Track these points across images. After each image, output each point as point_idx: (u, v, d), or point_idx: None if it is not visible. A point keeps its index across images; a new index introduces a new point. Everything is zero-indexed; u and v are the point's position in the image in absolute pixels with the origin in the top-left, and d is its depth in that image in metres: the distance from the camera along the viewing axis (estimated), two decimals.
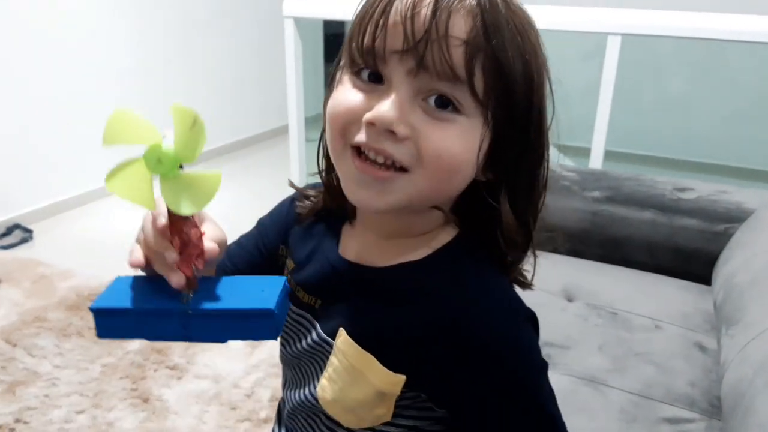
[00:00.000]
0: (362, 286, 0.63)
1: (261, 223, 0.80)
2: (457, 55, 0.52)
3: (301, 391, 0.68)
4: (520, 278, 0.65)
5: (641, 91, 3.18)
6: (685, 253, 1.59)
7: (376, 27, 0.53)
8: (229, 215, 3.50)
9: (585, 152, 2.12)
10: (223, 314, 0.51)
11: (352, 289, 0.63)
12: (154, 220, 0.50)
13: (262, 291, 0.52)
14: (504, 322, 0.59)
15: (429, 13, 0.52)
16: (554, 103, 0.60)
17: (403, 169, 0.55)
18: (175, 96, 3.72)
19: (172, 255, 0.50)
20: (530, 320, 0.61)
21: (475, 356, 0.57)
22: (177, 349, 2.00)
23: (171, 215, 0.49)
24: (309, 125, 2.67)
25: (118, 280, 0.55)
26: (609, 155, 2.16)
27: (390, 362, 0.58)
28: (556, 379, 1.18)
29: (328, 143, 0.60)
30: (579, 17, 2.02)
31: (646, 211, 1.62)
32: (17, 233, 2.78)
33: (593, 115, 2.05)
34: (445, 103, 0.54)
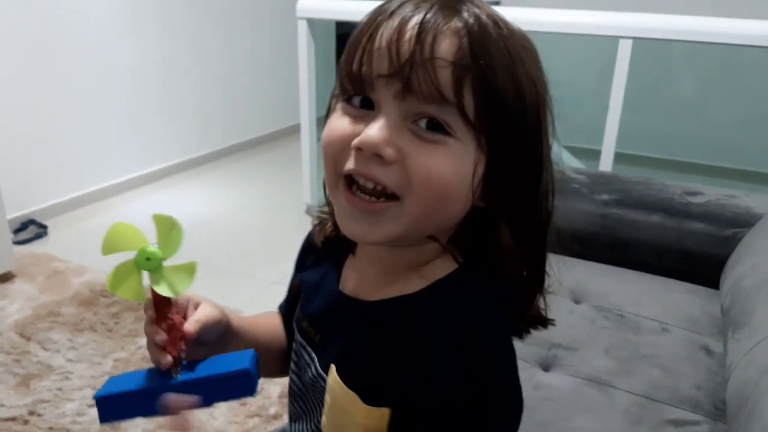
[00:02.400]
0: (355, 321, 0.62)
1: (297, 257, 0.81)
2: (444, 76, 0.51)
3: (307, 425, 0.68)
4: (538, 316, 0.62)
5: (653, 94, 3.18)
6: (694, 256, 1.60)
7: (363, 53, 0.54)
8: (241, 213, 3.53)
9: (596, 154, 2.13)
10: (206, 381, 0.60)
11: (347, 324, 0.63)
12: (146, 311, 0.61)
13: (235, 359, 0.62)
14: (493, 362, 0.57)
15: (414, 35, 0.52)
16: (553, 115, 0.58)
17: (393, 197, 0.54)
18: (188, 94, 3.76)
19: (161, 336, 0.59)
20: (512, 370, 0.58)
21: (459, 392, 0.55)
22: None
23: (157, 306, 0.60)
24: (320, 125, 2.69)
25: (112, 378, 0.64)
26: (620, 158, 2.17)
27: (375, 398, 0.56)
28: (562, 380, 1.20)
29: (325, 175, 0.59)
30: (591, 21, 2.03)
31: (655, 214, 1.63)
32: (32, 229, 2.82)
33: (604, 117, 2.05)
34: (435, 126, 0.53)
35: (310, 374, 0.65)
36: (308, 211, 0.75)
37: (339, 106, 0.57)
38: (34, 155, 2.95)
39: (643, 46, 2.00)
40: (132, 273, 0.57)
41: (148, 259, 0.56)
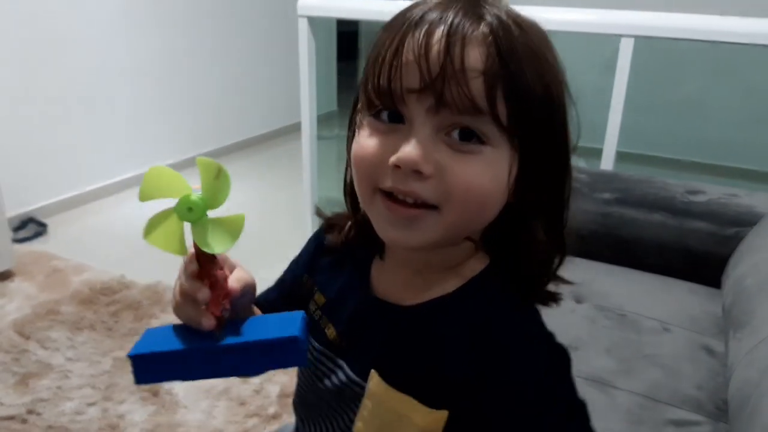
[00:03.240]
0: (392, 326, 0.61)
1: (293, 259, 0.79)
2: (476, 87, 0.51)
3: (323, 430, 0.67)
4: (550, 293, 0.63)
5: (656, 93, 3.17)
6: (696, 256, 1.59)
7: (390, 68, 0.53)
8: (240, 212, 3.50)
9: (597, 153, 2.12)
10: (252, 347, 0.54)
11: (382, 328, 0.62)
12: (187, 266, 0.54)
13: (283, 323, 0.56)
14: (552, 358, 0.59)
15: (442, 47, 0.51)
16: (576, 111, 0.59)
17: (433, 207, 0.54)
18: (188, 92, 3.76)
19: (205, 293, 0.53)
20: (564, 354, 0.61)
21: (513, 388, 0.56)
22: None
23: (200, 260, 0.54)
24: (321, 123, 2.68)
25: (149, 331, 0.58)
26: (623, 157, 2.16)
27: (428, 400, 0.57)
28: None
29: (356, 188, 0.59)
30: (592, 19, 2.02)
31: (656, 213, 1.62)
32: (31, 227, 2.81)
33: (606, 116, 2.05)
34: (468, 135, 0.53)
35: (335, 380, 0.64)
36: (318, 213, 0.74)
37: (366, 121, 0.57)
38: (33, 154, 2.95)
39: (645, 44, 1.99)
40: (172, 223, 0.51)
41: (189, 209, 0.51)
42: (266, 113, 4.41)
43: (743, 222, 1.55)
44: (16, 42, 2.77)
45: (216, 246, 0.52)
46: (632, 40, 1.96)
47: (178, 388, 1.83)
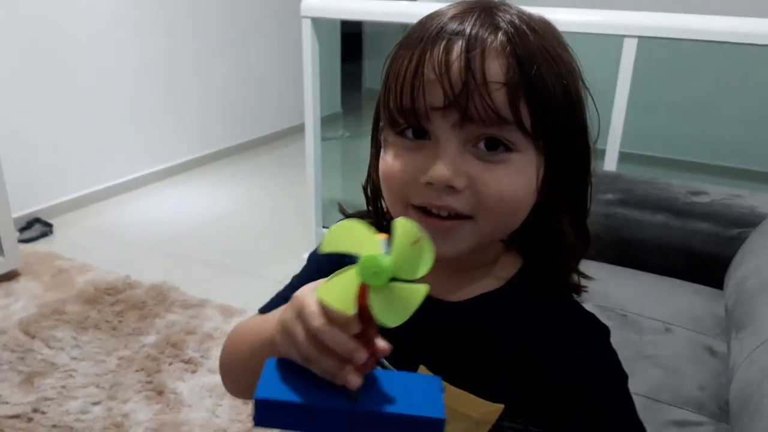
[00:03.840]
0: (437, 322, 0.61)
1: (312, 260, 0.76)
2: (500, 98, 0.52)
3: None
4: (575, 284, 0.65)
5: (660, 94, 3.17)
6: (698, 256, 1.59)
7: (413, 87, 0.53)
8: (245, 213, 3.53)
9: (600, 154, 2.12)
10: (391, 419, 0.49)
11: (430, 325, 0.61)
12: (349, 325, 0.48)
13: (423, 393, 0.51)
14: (596, 338, 0.62)
15: (463, 63, 0.52)
16: (597, 108, 0.60)
17: (467, 216, 0.55)
18: (193, 93, 3.77)
19: (362, 355, 0.48)
20: (608, 331, 0.64)
21: (575, 373, 0.59)
22: (191, 344, 2.03)
23: (363, 320, 0.48)
24: (325, 124, 2.68)
25: (272, 363, 0.53)
26: (626, 157, 2.16)
27: (483, 393, 0.59)
28: None
29: (389, 204, 0.60)
30: (595, 19, 2.02)
31: (659, 214, 1.62)
32: (37, 227, 2.83)
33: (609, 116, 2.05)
34: (495, 144, 0.54)
35: None
36: (341, 210, 0.73)
37: (391, 140, 0.57)
38: (39, 154, 2.97)
39: (649, 44, 1.99)
40: (349, 280, 0.46)
41: (376, 273, 0.45)
42: (272, 114, 4.42)
43: (746, 223, 1.55)
44: (22, 43, 2.79)
45: (393, 319, 0.46)
46: (635, 40, 1.96)
47: (183, 387, 1.84)
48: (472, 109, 0.52)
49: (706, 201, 1.61)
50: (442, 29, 0.54)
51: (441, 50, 0.52)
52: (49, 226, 2.87)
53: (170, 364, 1.94)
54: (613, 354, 0.63)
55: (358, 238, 0.47)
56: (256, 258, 2.68)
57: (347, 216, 0.72)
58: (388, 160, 0.57)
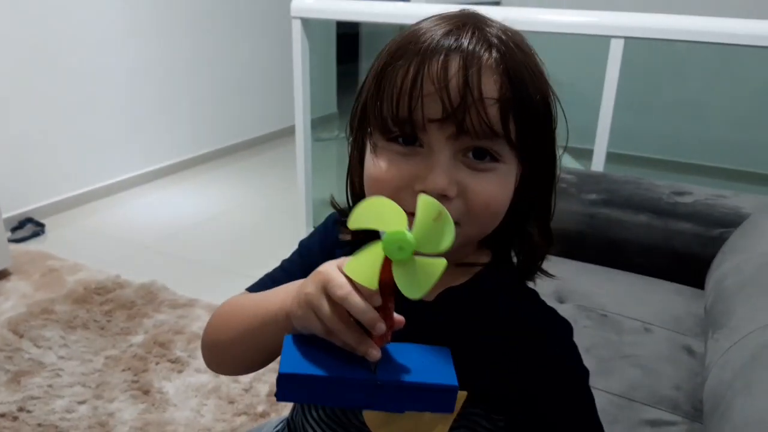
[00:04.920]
0: (416, 318, 0.62)
1: (304, 246, 0.79)
2: (493, 113, 0.55)
3: (341, 417, 0.68)
4: (543, 273, 0.69)
5: (649, 94, 3.17)
6: (681, 257, 1.59)
7: (411, 98, 0.56)
8: (237, 213, 3.52)
9: (588, 154, 2.12)
10: (408, 388, 0.52)
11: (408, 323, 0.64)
12: (372, 297, 0.51)
13: (436, 362, 0.55)
14: (556, 333, 0.66)
15: (461, 78, 0.55)
16: (564, 114, 0.64)
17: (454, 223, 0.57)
18: (186, 94, 3.78)
19: (382, 327, 0.51)
20: (570, 326, 0.67)
21: (534, 366, 0.62)
22: (179, 343, 2.03)
23: (384, 293, 0.51)
24: (321, 124, 2.69)
25: (289, 339, 0.56)
26: (616, 158, 2.16)
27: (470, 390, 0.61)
28: None
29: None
30: (582, 20, 2.02)
31: (642, 214, 1.62)
32: (29, 227, 2.83)
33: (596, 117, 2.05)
34: (482, 153, 0.57)
35: None
36: (333, 204, 0.75)
37: (382, 144, 0.59)
38: (32, 154, 2.97)
39: (636, 45, 1.99)
40: (374, 255, 0.50)
41: (400, 247, 0.49)
42: (265, 115, 4.43)
43: (729, 223, 1.55)
44: (13, 43, 2.80)
45: (415, 291, 0.49)
46: (622, 41, 1.96)
47: (169, 386, 1.84)
48: (468, 122, 0.55)
49: (690, 201, 1.61)
50: (439, 44, 0.56)
51: (440, 65, 0.55)
52: (41, 225, 2.87)
53: (157, 363, 1.95)
54: (573, 349, 0.66)
55: (384, 213, 0.50)
56: (247, 258, 2.69)
57: (339, 210, 0.74)
58: (381, 165, 0.59)
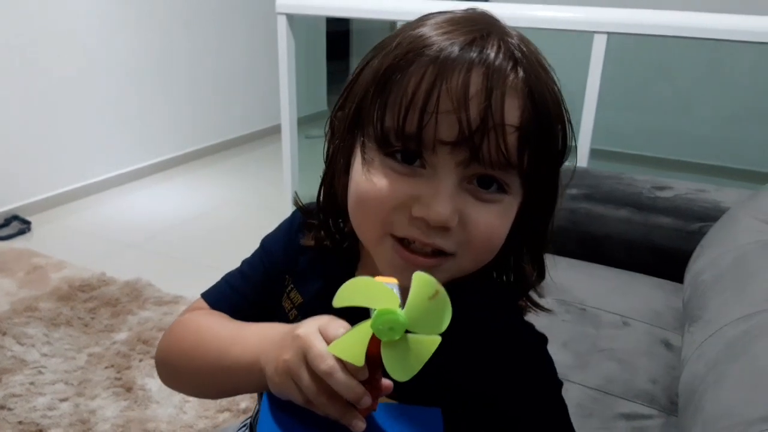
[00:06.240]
0: None
1: (266, 249, 0.74)
2: (511, 142, 0.50)
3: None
4: (536, 303, 0.66)
5: (633, 90, 3.17)
6: (661, 251, 1.59)
7: (423, 113, 0.49)
8: (224, 211, 3.50)
9: (572, 151, 2.12)
10: None
11: None
12: (358, 372, 0.46)
13: (425, 427, 0.51)
14: (530, 346, 0.62)
15: (483, 99, 0.49)
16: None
17: (449, 254, 0.53)
18: (174, 93, 3.76)
19: (368, 400, 0.47)
20: (546, 340, 0.64)
21: (508, 379, 0.58)
22: None
23: (371, 367, 0.47)
24: (310, 122, 2.68)
25: (266, 400, 0.53)
26: (600, 154, 2.16)
27: (418, 401, 0.57)
28: None
29: (359, 226, 0.57)
30: (565, 16, 2.02)
31: (623, 209, 1.62)
32: (15, 224, 2.82)
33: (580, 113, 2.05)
34: (490, 182, 0.52)
35: None
36: (296, 203, 0.71)
37: (378, 159, 0.53)
38: (18, 152, 2.96)
39: (619, 41, 1.99)
40: (361, 334, 0.45)
41: (391, 328, 0.44)
42: (254, 113, 4.42)
43: (708, 217, 1.55)
44: (0, 38, 2.79)
45: (404, 373, 0.45)
46: (605, 36, 1.96)
47: (152, 383, 1.84)
48: (485, 150, 0.49)
49: (670, 196, 1.62)
50: (460, 54, 0.50)
51: (461, 80, 0.49)
52: (27, 223, 2.86)
53: (140, 360, 1.94)
54: (548, 362, 0.63)
55: (374, 292, 0.45)
56: (232, 256, 2.65)
57: (303, 210, 0.69)
58: (375, 182, 0.52)
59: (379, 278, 0.46)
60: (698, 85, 3.20)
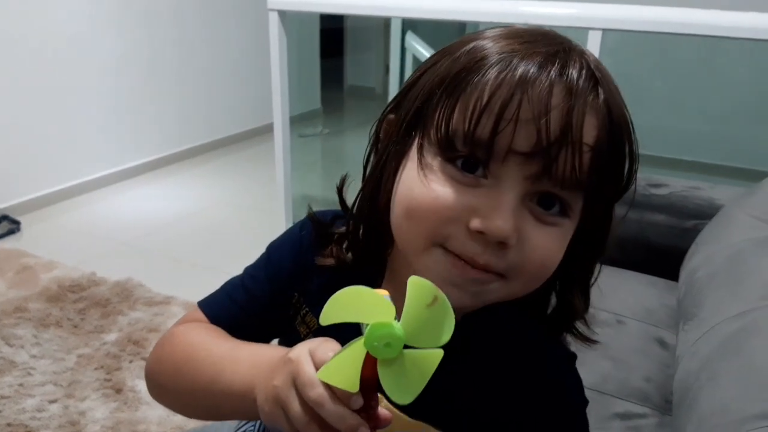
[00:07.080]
0: None
1: (273, 263, 0.69)
2: (585, 161, 0.48)
3: None
4: (582, 335, 0.64)
5: (628, 88, 3.17)
6: (656, 249, 1.58)
7: (499, 118, 0.46)
8: (217, 210, 3.48)
9: None
10: None
11: None
12: (353, 401, 0.42)
13: None
14: (559, 363, 0.61)
15: (564, 112, 0.46)
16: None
17: (500, 275, 0.50)
18: (165, 91, 3.74)
19: (366, 430, 0.43)
20: (575, 359, 0.63)
21: (536, 396, 0.56)
22: (153, 341, 2.00)
23: (365, 392, 0.42)
24: (304, 121, 2.66)
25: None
26: None
27: (443, 425, 0.55)
28: None
29: (404, 235, 0.53)
30: (560, 12, 2.01)
31: (617, 206, 1.61)
32: (5, 224, 2.80)
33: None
34: (552, 203, 0.49)
35: None
36: (310, 215, 0.67)
37: (437, 164, 0.50)
38: (7, 151, 2.93)
39: (614, 38, 1.98)
40: (354, 354, 0.41)
41: (388, 344, 0.39)
42: (247, 112, 4.39)
43: (703, 215, 1.54)
44: None
45: (406, 395, 0.40)
46: (600, 33, 1.95)
47: (142, 385, 1.82)
48: (560, 164, 0.47)
49: (665, 193, 1.61)
50: (541, 66, 0.48)
51: (543, 91, 0.46)
52: (17, 223, 2.84)
53: (131, 361, 1.92)
54: (576, 379, 0.62)
55: (365, 304, 0.40)
56: (225, 255, 2.66)
57: (312, 218, 0.66)
58: (433, 189, 0.49)
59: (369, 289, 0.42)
60: (693, 83, 3.20)
